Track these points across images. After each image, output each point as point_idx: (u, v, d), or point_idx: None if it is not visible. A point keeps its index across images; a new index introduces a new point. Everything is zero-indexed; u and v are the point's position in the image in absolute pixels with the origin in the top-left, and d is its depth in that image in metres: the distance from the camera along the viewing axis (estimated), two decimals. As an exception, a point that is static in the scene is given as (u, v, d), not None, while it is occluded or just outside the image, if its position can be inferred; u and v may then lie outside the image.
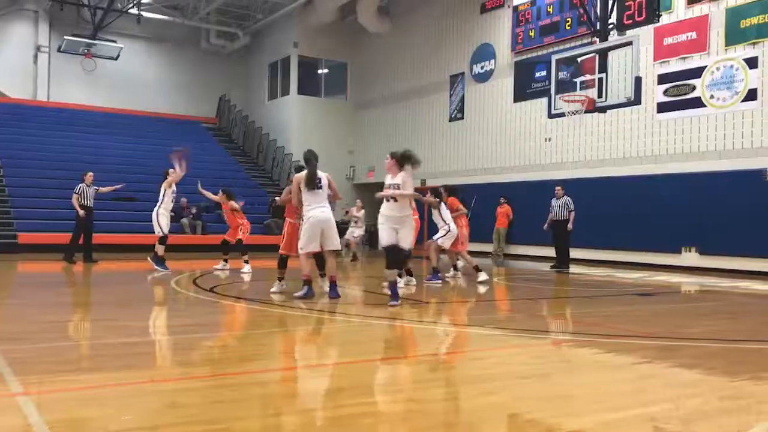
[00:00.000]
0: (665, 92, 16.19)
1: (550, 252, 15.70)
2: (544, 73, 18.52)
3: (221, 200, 13.75)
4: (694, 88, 15.63)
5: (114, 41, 23.75)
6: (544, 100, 17.50)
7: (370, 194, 27.49)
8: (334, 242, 8.30)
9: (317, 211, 8.09)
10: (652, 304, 9.45)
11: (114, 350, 5.41)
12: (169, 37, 27.58)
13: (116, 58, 24.24)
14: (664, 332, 6.71)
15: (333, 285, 8.36)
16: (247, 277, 11.90)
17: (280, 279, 8.99)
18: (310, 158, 8.14)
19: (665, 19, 15.96)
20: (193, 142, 26.18)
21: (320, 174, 8.20)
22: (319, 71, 27.44)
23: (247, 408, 3.84)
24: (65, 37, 23.25)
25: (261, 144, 27.36)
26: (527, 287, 11.79)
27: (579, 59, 13.14)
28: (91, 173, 14.83)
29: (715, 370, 4.98)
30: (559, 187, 15.08)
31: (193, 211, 20.30)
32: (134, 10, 23.13)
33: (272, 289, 8.98)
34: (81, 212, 14.26)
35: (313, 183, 8.07)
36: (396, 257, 7.80)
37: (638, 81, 11.78)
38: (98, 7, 22.99)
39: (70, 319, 7.45)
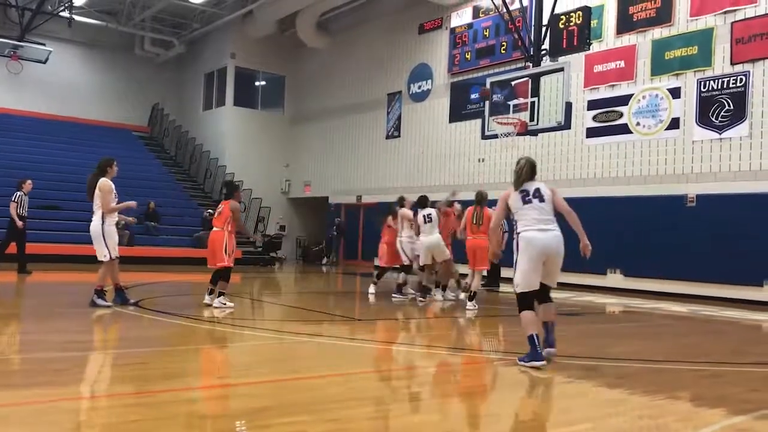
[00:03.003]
0: (594, 118, 16.72)
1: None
2: (479, 95, 18.87)
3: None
4: (621, 114, 16.20)
5: (43, 44, 22.90)
6: (479, 121, 17.80)
7: (306, 209, 27.45)
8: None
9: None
10: (578, 324, 9.67)
11: (28, 366, 5.17)
12: (102, 42, 26.85)
13: (45, 62, 23.35)
14: (589, 352, 6.86)
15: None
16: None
17: (375, 283, 11.68)
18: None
19: (596, 47, 16.52)
20: (123, 151, 25.55)
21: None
22: (256, 83, 27.21)
23: (168, 428, 3.71)
24: (-11, 37, 22.30)
25: (194, 155, 26.87)
26: (458, 306, 11.88)
27: (513, 83, 13.45)
28: (30, 181, 14.22)
29: (635, 390, 5.11)
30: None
31: (121, 223, 19.65)
32: (65, 13, 22.41)
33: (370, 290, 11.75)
34: (19, 223, 13.62)
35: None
36: None
37: (569, 106, 12.13)
38: (26, 8, 22.16)
39: (-17, 333, 7.08)
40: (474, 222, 10.41)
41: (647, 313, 11.54)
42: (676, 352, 7.38)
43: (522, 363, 5.71)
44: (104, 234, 8.51)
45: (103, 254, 8.54)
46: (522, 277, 5.86)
